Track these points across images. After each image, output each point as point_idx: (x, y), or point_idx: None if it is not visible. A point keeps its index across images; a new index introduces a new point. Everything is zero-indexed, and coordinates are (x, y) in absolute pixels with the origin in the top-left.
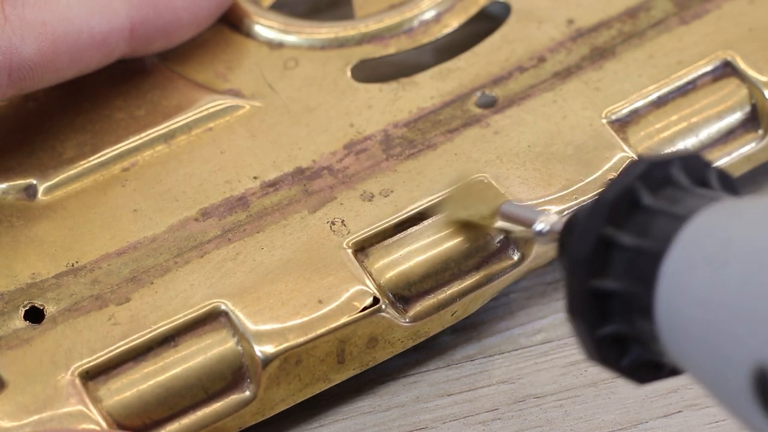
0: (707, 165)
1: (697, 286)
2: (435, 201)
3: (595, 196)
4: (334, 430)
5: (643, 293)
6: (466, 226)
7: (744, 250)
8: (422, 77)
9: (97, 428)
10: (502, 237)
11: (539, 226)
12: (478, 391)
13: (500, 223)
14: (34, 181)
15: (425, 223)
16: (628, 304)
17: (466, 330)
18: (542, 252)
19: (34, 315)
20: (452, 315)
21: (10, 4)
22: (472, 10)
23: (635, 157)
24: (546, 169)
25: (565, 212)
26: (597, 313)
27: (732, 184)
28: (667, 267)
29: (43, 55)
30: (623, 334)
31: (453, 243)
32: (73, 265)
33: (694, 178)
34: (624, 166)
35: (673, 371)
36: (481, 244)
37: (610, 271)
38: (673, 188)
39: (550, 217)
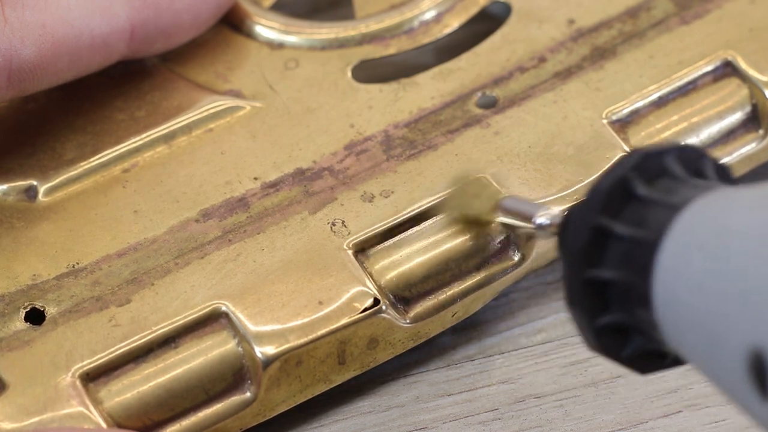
0: (703, 155)
1: (692, 274)
2: (435, 202)
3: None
4: (335, 430)
5: (641, 282)
6: (467, 226)
7: (737, 236)
8: (423, 77)
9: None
10: (502, 238)
11: (539, 219)
12: (478, 391)
13: (501, 218)
14: (35, 183)
15: (426, 223)
16: (626, 294)
17: (466, 330)
18: (543, 252)
19: (35, 316)
20: (453, 316)
21: (9, 6)
22: (473, 10)
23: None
24: (546, 170)
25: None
26: (596, 303)
27: (728, 174)
28: (662, 256)
29: (42, 57)
30: (624, 324)
31: (453, 244)
32: (73, 267)
33: (689, 168)
34: (620, 158)
35: (676, 361)
36: (482, 245)
37: (608, 261)
38: (668, 179)
39: (550, 210)
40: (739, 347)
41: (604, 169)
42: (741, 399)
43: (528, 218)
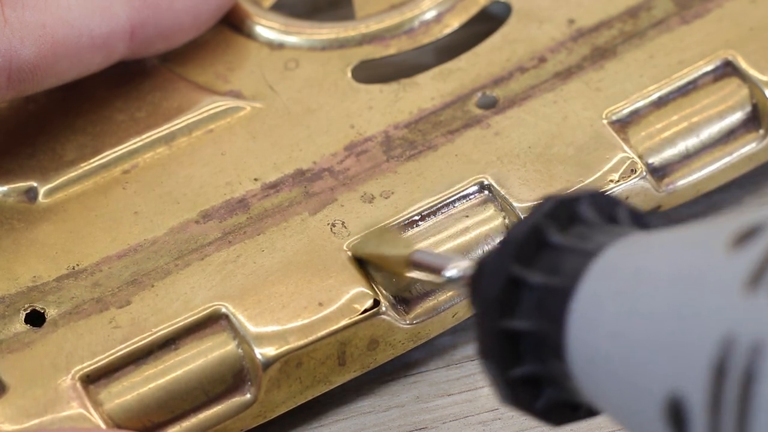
0: (616, 202)
1: (607, 321)
2: (435, 202)
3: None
4: (335, 430)
5: (553, 331)
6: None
7: (651, 281)
8: (423, 78)
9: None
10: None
11: (450, 272)
12: (478, 391)
13: (412, 273)
14: (35, 184)
15: (425, 224)
16: (539, 344)
17: (466, 330)
18: None
19: (35, 318)
20: (453, 316)
21: (9, 7)
22: (473, 10)
23: (635, 158)
24: (546, 170)
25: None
26: (509, 355)
27: (643, 220)
28: (576, 303)
29: (42, 58)
30: (536, 375)
31: (454, 244)
32: (73, 268)
33: (603, 215)
34: (533, 205)
35: (590, 412)
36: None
37: (521, 311)
38: (582, 225)
39: (460, 263)
40: (656, 395)
41: (604, 169)
42: None
43: (438, 271)
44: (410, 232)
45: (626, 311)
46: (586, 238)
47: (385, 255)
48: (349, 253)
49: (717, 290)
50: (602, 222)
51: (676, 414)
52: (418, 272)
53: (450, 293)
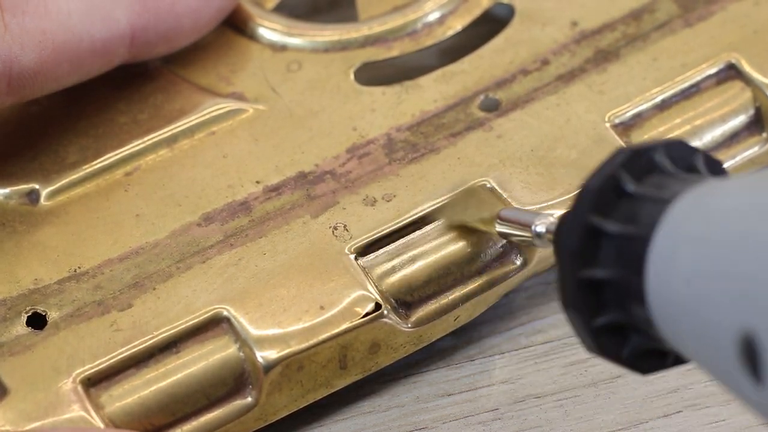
0: (693, 150)
1: (683, 265)
2: (437, 205)
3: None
4: (335, 430)
5: (634, 279)
6: (467, 231)
7: (722, 221)
8: (425, 80)
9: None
10: (504, 242)
11: (537, 228)
12: (478, 391)
13: (500, 228)
14: (37, 186)
15: (428, 228)
16: (621, 292)
17: (466, 330)
18: (545, 257)
19: (37, 321)
20: (455, 320)
21: (10, 13)
22: (476, 12)
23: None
24: (549, 174)
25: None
26: (592, 304)
27: (718, 167)
28: (654, 251)
29: (43, 64)
30: (621, 323)
31: (455, 248)
32: (75, 271)
33: (679, 163)
34: (608, 156)
35: (677, 360)
36: (484, 249)
37: (601, 260)
38: (658, 174)
39: (547, 218)
40: (729, 332)
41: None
42: (736, 386)
43: (527, 227)
44: (413, 235)
45: (701, 252)
46: (662, 187)
47: (473, 211)
48: (351, 256)
49: None
50: (677, 170)
51: (750, 351)
52: (505, 228)
53: (452, 297)
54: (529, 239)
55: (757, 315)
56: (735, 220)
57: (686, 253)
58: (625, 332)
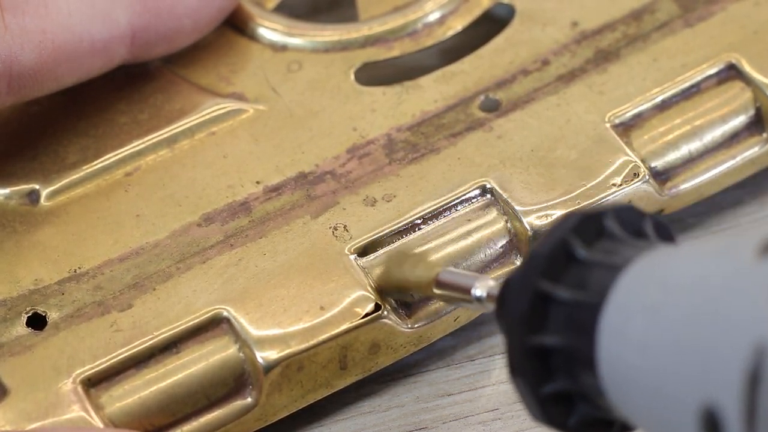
0: (642, 215)
1: (637, 333)
2: (438, 206)
3: (598, 200)
4: (335, 430)
5: (584, 346)
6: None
7: (680, 292)
8: (426, 80)
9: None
10: (504, 242)
11: (477, 291)
12: (478, 391)
13: (439, 292)
14: (37, 186)
15: (428, 228)
16: (570, 359)
17: (466, 330)
18: None
19: (37, 321)
20: (455, 320)
21: (10, 13)
22: (476, 13)
23: (637, 162)
24: (549, 174)
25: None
26: (540, 371)
27: (668, 233)
28: (606, 318)
29: (43, 64)
30: (568, 391)
31: (455, 248)
32: (75, 271)
33: (629, 228)
34: (557, 219)
35: (623, 428)
36: (483, 250)
37: (549, 327)
38: (608, 240)
39: (487, 281)
40: (690, 406)
41: (607, 173)
42: None
43: (466, 291)
44: (412, 236)
45: (656, 323)
46: (613, 253)
47: (410, 278)
48: (352, 257)
49: (747, 298)
50: (628, 236)
51: (712, 425)
52: (444, 292)
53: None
54: (469, 303)
55: (719, 389)
56: (689, 290)
57: (639, 322)
58: (572, 400)
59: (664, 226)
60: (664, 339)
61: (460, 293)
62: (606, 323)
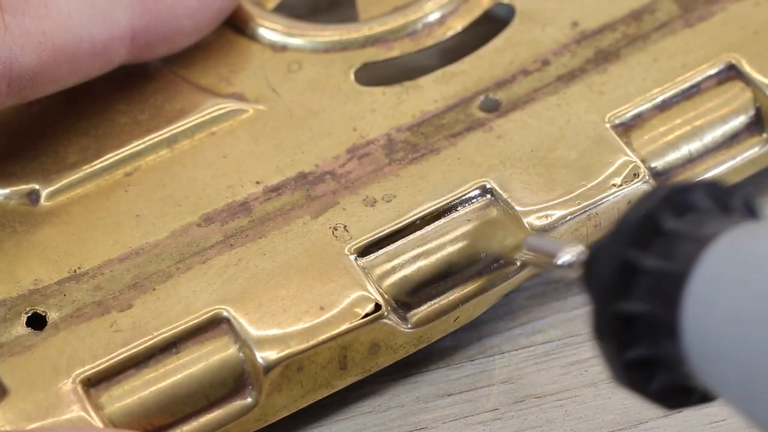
0: (731, 192)
1: (724, 305)
2: (438, 206)
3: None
4: (335, 430)
5: (668, 315)
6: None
7: (765, 268)
8: (426, 80)
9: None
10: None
11: (564, 258)
12: (478, 391)
13: (525, 256)
14: (37, 186)
15: (428, 228)
16: (653, 328)
17: (466, 330)
18: None
19: (37, 321)
20: (455, 321)
21: (10, 14)
22: (476, 13)
23: (637, 162)
24: (549, 174)
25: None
26: (623, 337)
27: (756, 210)
28: (692, 288)
29: (43, 65)
30: (651, 358)
31: (455, 248)
32: (75, 271)
33: (717, 203)
34: (647, 192)
35: (704, 397)
36: (483, 249)
37: (635, 295)
38: (696, 213)
39: (574, 248)
40: None
41: (606, 174)
42: None
43: (551, 256)
44: (412, 236)
45: (744, 295)
46: (701, 225)
47: (498, 239)
48: (351, 257)
49: None
50: (717, 210)
51: None
52: (529, 257)
53: (452, 297)
54: (553, 268)
55: None
56: None
57: (727, 293)
58: (654, 367)
59: (753, 203)
60: (752, 310)
61: (546, 258)
62: (692, 294)
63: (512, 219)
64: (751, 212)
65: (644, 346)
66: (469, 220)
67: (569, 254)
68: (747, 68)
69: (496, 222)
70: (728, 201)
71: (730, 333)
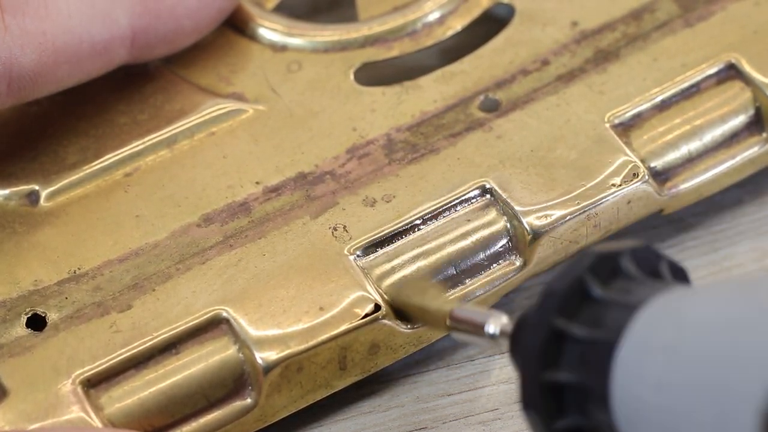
0: (658, 256)
1: (653, 372)
2: (437, 206)
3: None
4: (335, 430)
5: (598, 384)
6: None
7: (697, 332)
8: (425, 80)
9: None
10: (504, 242)
11: (491, 328)
12: (478, 391)
13: (453, 330)
14: (37, 187)
15: (427, 228)
16: (583, 396)
17: None
18: (544, 257)
19: (36, 322)
20: None
21: (10, 14)
22: (476, 12)
23: (637, 162)
24: (548, 174)
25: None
26: (552, 406)
27: (683, 274)
28: (621, 356)
29: (43, 65)
30: (581, 427)
31: (455, 248)
32: (75, 272)
33: (645, 269)
34: (573, 258)
35: None
36: (483, 249)
37: (564, 364)
38: (624, 279)
39: (501, 318)
40: None
41: (606, 173)
42: None
43: (479, 328)
44: (412, 236)
45: (672, 362)
46: (628, 292)
47: (425, 308)
48: (351, 257)
49: (765, 338)
50: (644, 276)
51: None
52: (457, 328)
53: (452, 298)
54: (482, 339)
55: (733, 428)
56: (706, 330)
57: (655, 361)
58: None
59: (680, 268)
60: (681, 378)
61: (473, 329)
62: (621, 361)
63: (435, 288)
64: (678, 276)
65: (574, 415)
66: (469, 220)
67: (495, 324)
68: (747, 68)
69: (421, 288)
70: (655, 265)
71: (658, 400)
